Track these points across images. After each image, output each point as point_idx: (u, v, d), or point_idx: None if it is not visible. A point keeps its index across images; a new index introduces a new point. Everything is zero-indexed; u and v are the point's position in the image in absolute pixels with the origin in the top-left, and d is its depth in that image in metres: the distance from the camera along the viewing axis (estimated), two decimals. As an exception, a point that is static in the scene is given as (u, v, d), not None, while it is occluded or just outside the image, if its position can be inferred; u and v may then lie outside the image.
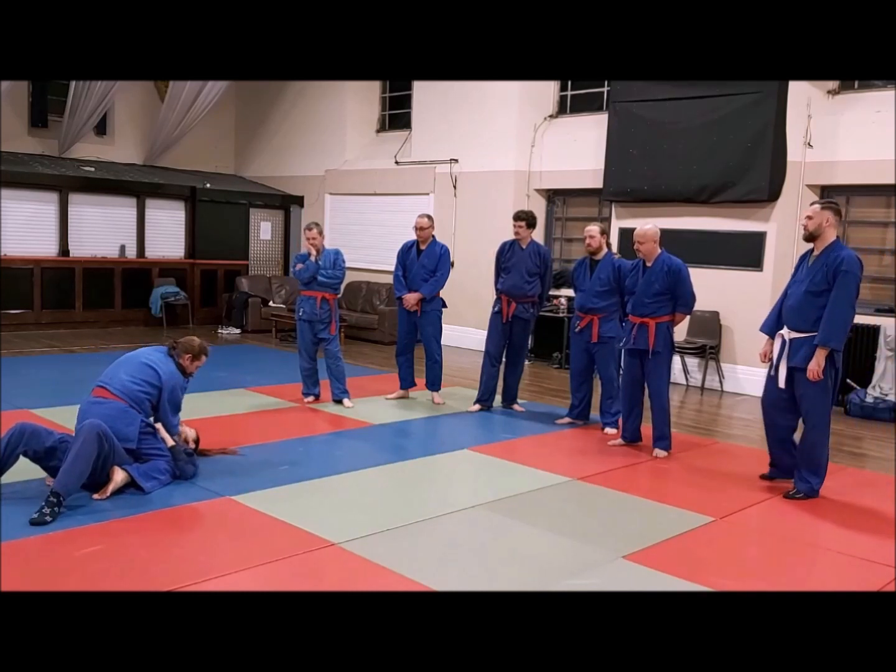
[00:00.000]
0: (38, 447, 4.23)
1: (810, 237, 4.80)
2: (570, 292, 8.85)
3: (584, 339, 6.40)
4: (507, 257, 6.86)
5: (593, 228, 6.42)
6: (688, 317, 6.19)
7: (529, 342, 8.59)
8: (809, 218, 4.77)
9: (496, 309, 6.95)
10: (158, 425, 4.71)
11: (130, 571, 3.47)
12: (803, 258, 4.96)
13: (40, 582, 3.31)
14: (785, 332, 4.91)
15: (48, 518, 3.92)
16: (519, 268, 6.77)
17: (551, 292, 9.99)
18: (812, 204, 4.90)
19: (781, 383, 4.92)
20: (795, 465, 4.97)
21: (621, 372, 6.19)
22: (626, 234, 8.64)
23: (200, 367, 4.95)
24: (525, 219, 6.80)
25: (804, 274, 4.86)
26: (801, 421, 5.01)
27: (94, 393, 4.62)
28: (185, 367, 4.85)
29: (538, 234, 10.29)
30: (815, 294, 4.73)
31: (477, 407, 7.03)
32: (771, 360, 5.04)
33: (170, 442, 4.67)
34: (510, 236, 6.94)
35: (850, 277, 4.63)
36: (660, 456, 5.71)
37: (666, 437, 5.77)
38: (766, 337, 5.11)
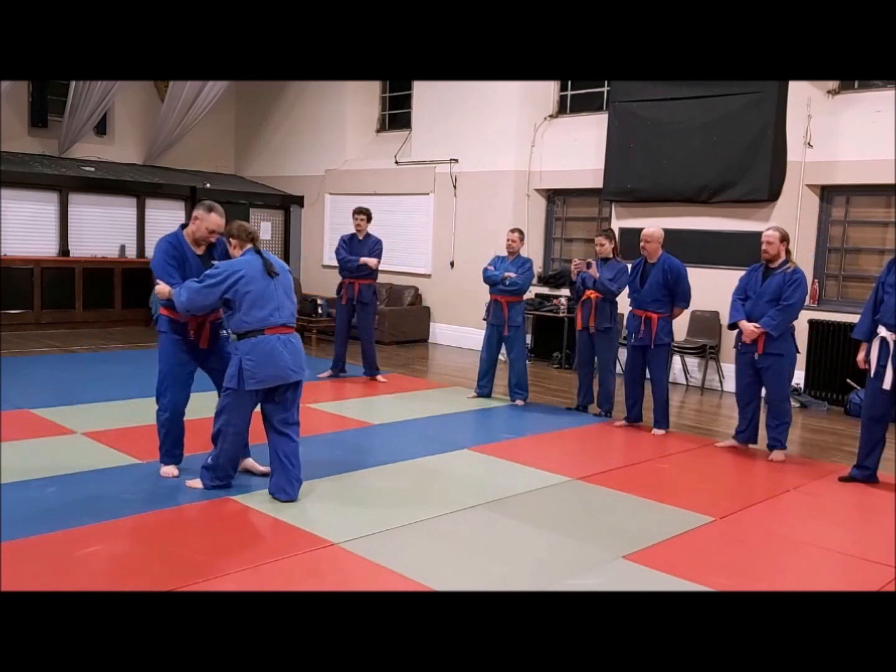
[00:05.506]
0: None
1: None
2: (569, 292, 8.86)
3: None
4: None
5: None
6: (686, 312, 6.68)
7: (528, 341, 8.66)
8: None
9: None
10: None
11: (130, 571, 3.47)
12: (894, 261, 4.94)
13: (40, 582, 3.31)
14: (886, 334, 4.80)
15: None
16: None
17: (551, 292, 10.03)
18: None
19: (887, 385, 4.80)
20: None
21: (624, 364, 6.54)
22: (625, 234, 8.64)
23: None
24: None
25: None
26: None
27: (284, 331, 4.36)
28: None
29: (538, 235, 10.35)
30: None
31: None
32: (868, 364, 4.96)
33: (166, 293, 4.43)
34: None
35: None
36: (658, 434, 6.32)
37: (664, 419, 6.44)
38: (863, 344, 5.07)
